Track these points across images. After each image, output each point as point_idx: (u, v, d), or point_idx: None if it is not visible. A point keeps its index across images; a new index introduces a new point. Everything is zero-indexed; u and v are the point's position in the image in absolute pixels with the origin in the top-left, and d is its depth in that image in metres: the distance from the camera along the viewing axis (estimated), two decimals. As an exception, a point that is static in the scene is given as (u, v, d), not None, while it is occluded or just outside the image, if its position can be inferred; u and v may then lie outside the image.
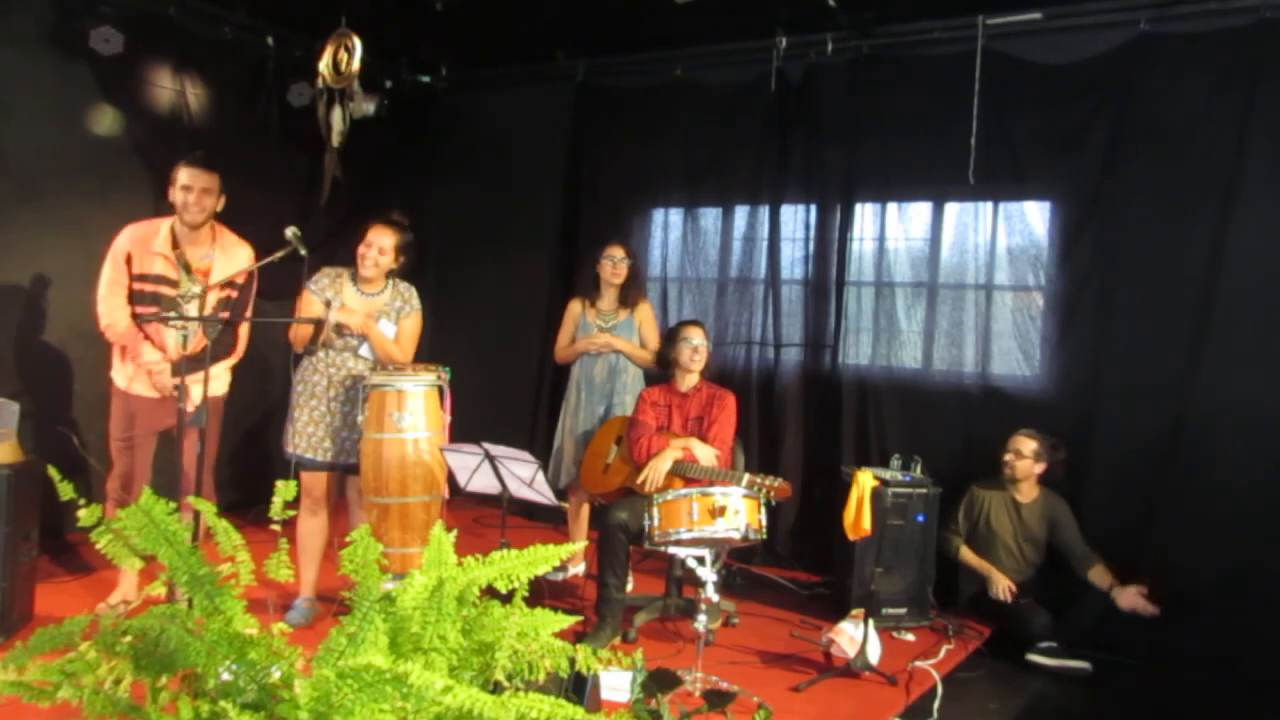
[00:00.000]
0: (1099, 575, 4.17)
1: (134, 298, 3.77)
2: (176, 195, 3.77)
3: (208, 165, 3.80)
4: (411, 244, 3.99)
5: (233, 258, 3.91)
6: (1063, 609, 4.07)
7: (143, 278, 3.76)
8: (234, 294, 3.90)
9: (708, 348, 4.25)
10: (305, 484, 3.90)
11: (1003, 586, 4.19)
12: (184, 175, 3.75)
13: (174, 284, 3.79)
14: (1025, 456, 4.32)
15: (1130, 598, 4.06)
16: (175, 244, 3.81)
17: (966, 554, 4.39)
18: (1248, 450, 4.03)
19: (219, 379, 3.94)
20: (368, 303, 3.94)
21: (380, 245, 3.87)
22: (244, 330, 3.99)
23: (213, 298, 3.82)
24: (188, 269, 3.82)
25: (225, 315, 3.83)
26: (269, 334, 4.85)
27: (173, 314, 3.65)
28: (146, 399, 3.83)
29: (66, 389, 4.68)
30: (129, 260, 3.76)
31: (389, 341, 3.93)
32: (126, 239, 3.79)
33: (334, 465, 3.91)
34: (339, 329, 3.84)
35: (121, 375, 3.88)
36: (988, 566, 4.30)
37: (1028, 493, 4.38)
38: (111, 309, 3.76)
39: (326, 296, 3.89)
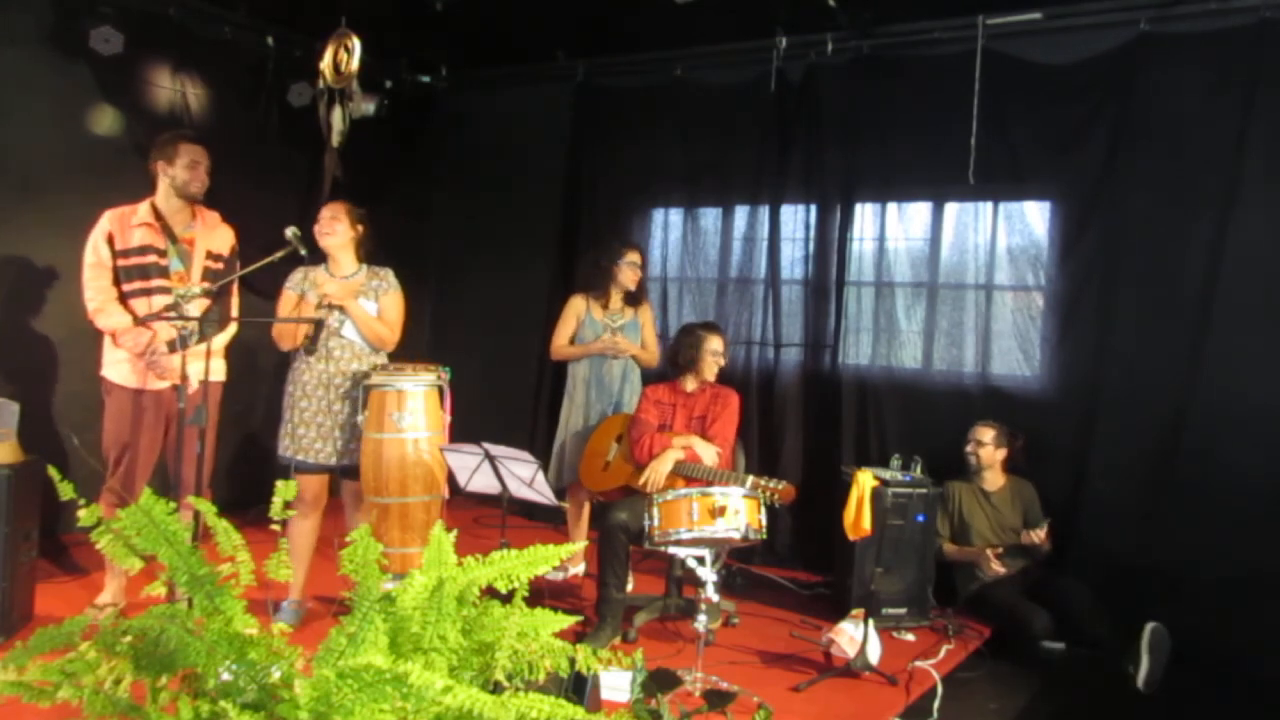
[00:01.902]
0: (1031, 534, 4.26)
1: (122, 275, 3.73)
2: (181, 171, 3.79)
3: (202, 142, 3.90)
4: (367, 216, 3.96)
5: (214, 230, 3.94)
6: (1060, 607, 4.07)
7: (126, 253, 3.73)
8: (220, 266, 3.88)
9: (727, 352, 4.30)
10: (297, 486, 3.86)
11: (989, 559, 4.23)
12: (193, 150, 3.82)
13: (161, 253, 3.77)
14: (986, 444, 4.43)
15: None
16: (158, 216, 3.81)
17: (950, 548, 4.44)
18: (1248, 450, 4.03)
19: (214, 363, 3.92)
20: (345, 283, 3.89)
21: (332, 214, 3.88)
22: (235, 307, 3.98)
23: (198, 271, 3.81)
24: (173, 238, 3.81)
25: (210, 285, 3.80)
26: (268, 333, 4.84)
27: (173, 314, 3.62)
28: (152, 392, 3.78)
29: (67, 389, 4.68)
30: (110, 240, 3.73)
31: (372, 318, 3.87)
32: (105, 220, 3.77)
33: (326, 468, 3.85)
34: (320, 301, 3.78)
35: (118, 371, 3.79)
36: (969, 550, 4.36)
37: (993, 480, 4.47)
38: (98, 292, 3.70)
39: (302, 289, 3.86)
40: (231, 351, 4.08)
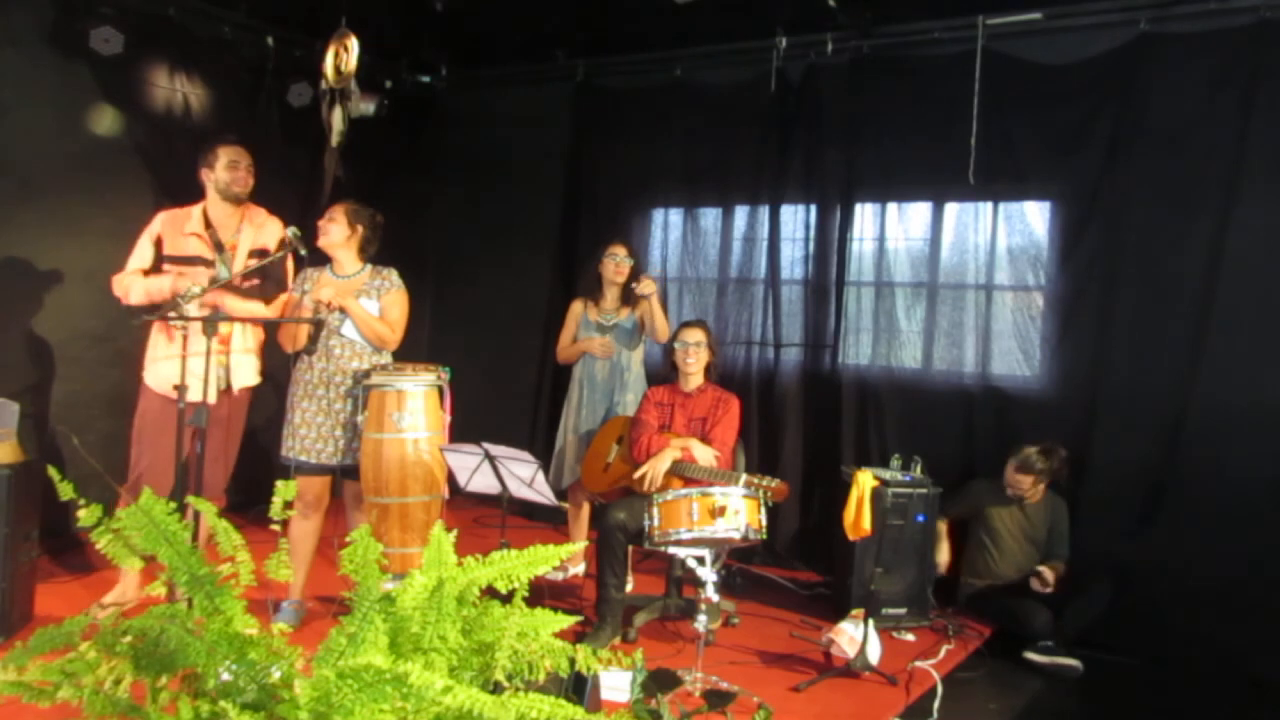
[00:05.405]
0: (1046, 569, 4.17)
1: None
2: (222, 173, 3.84)
3: (243, 144, 3.93)
4: (359, 212, 3.93)
5: (261, 230, 3.95)
6: (1063, 607, 4.07)
7: (175, 260, 3.78)
8: (263, 261, 3.87)
9: (707, 348, 4.24)
10: (299, 487, 3.85)
11: (943, 556, 4.37)
12: (230, 152, 3.88)
13: (209, 264, 3.80)
14: (1032, 481, 4.31)
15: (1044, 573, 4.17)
16: (208, 224, 3.85)
17: (941, 526, 4.45)
18: (1247, 450, 4.03)
19: (246, 369, 3.92)
20: (344, 283, 3.88)
21: (329, 216, 3.91)
22: (271, 312, 3.94)
23: (239, 270, 3.81)
24: (220, 247, 3.84)
25: (256, 281, 3.85)
26: (266, 333, 4.85)
27: (173, 313, 3.59)
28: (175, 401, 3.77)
29: (67, 389, 4.67)
30: (159, 243, 3.79)
31: (372, 317, 3.84)
32: (159, 222, 3.85)
33: (326, 468, 3.83)
34: (315, 308, 3.76)
35: (153, 375, 3.82)
36: (940, 544, 4.43)
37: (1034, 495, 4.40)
38: (123, 275, 3.78)
39: (301, 290, 3.87)
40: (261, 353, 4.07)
